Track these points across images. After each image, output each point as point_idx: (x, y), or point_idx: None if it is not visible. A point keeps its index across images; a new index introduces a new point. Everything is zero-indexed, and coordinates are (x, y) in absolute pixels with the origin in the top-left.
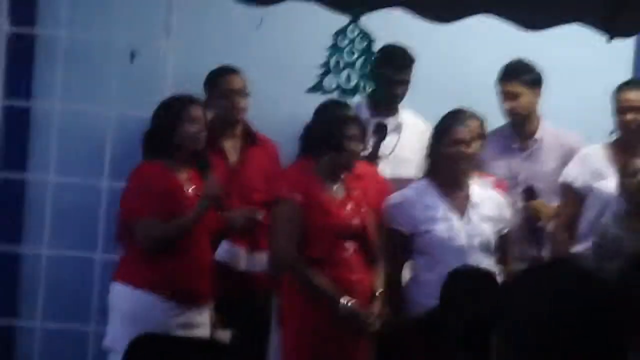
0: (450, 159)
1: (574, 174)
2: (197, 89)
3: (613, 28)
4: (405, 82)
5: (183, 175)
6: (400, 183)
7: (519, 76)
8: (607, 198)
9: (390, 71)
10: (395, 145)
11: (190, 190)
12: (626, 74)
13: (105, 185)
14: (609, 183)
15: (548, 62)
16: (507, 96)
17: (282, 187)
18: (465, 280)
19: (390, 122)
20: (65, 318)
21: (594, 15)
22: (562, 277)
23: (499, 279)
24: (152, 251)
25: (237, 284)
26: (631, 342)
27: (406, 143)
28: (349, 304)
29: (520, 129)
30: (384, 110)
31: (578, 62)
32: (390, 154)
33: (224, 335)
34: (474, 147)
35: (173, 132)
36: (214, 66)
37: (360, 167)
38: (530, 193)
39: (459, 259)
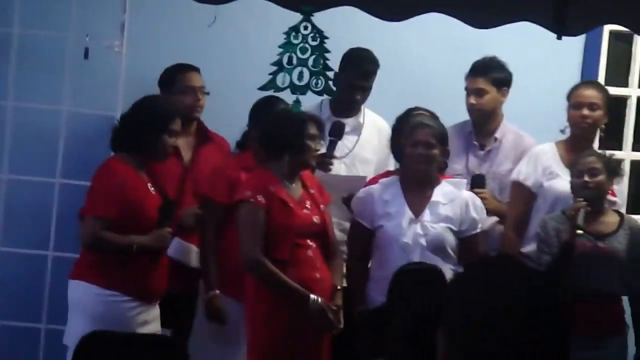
0: (410, 159)
1: (525, 172)
2: (150, 86)
3: (563, 26)
4: (368, 89)
5: (145, 175)
6: (352, 181)
7: (487, 74)
8: (557, 196)
9: (356, 77)
10: (355, 144)
11: (152, 189)
12: (575, 72)
13: (57, 183)
14: (560, 181)
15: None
16: (473, 92)
17: (243, 189)
18: (412, 277)
19: (350, 122)
20: (17, 316)
21: (544, 13)
22: (504, 273)
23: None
24: (89, 249)
25: (188, 280)
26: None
27: (366, 143)
28: (319, 300)
29: (481, 127)
30: (344, 110)
31: (528, 60)
32: (349, 153)
33: (165, 333)
34: (435, 148)
35: (153, 142)
36: (168, 64)
37: None
38: (478, 181)
39: (404, 257)
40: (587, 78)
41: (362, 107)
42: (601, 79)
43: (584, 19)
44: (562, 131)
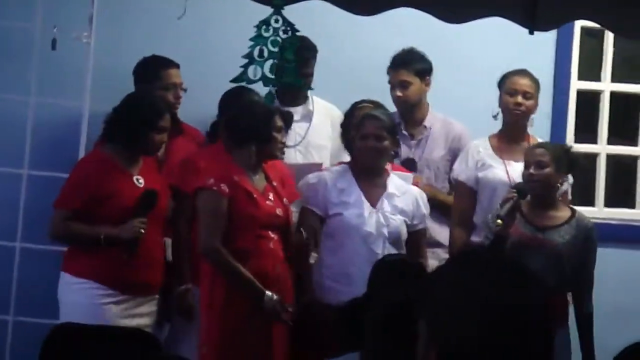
0: (360, 152)
1: (458, 169)
2: (118, 78)
3: (535, 21)
4: (309, 75)
5: (134, 168)
6: (308, 168)
7: (409, 65)
8: (494, 186)
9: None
10: (307, 132)
11: (140, 182)
12: (548, 67)
13: (25, 174)
14: (494, 171)
15: (470, 54)
16: (397, 85)
17: (205, 177)
18: (392, 269)
19: (299, 110)
20: None
21: (516, 9)
22: (488, 267)
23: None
24: (55, 240)
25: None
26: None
27: (318, 129)
28: (274, 297)
29: (409, 117)
30: (291, 99)
31: (500, 55)
32: (302, 141)
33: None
34: (386, 140)
35: (143, 138)
36: (136, 55)
37: None
38: (409, 165)
39: (365, 246)
40: (561, 72)
41: (310, 94)
42: (574, 73)
43: (556, 15)
44: (495, 117)
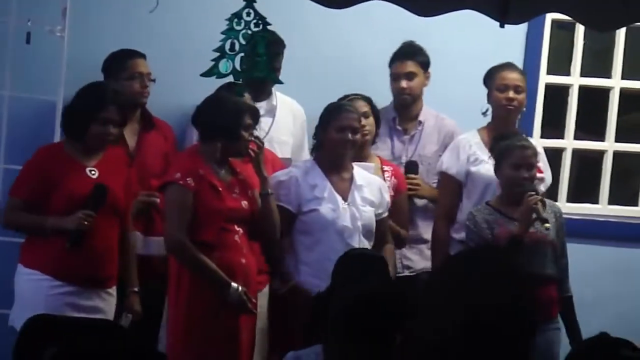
0: (335, 144)
1: (447, 162)
2: (91, 72)
3: (505, 14)
4: (278, 69)
5: (90, 160)
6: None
7: (415, 56)
8: (487, 181)
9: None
10: (270, 127)
11: (93, 174)
12: (518, 60)
13: (0, 168)
14: (486, 166)
15: (441, 48)
16: (403, 76)
17: (173, 171)
18: (355, 262)
19: (263, 105)
20: None
21: (487, 1)
22: (483, 267)
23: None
24: (5, 229)
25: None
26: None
27: (281, 125)
28: (239, 289)
29: (405, 111)
30: (257, 94)
31: (470, 48)
32: (265, 135)
33: (126, 319)
34: (360, 133)
35: (85, 128)
36: (110, 49)
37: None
38: (411, 167)
39: (342, 240)
40: (530, 66)
41: (274, 90)
42: (543, 67)
43: (527, 8)
44: (484, 114)
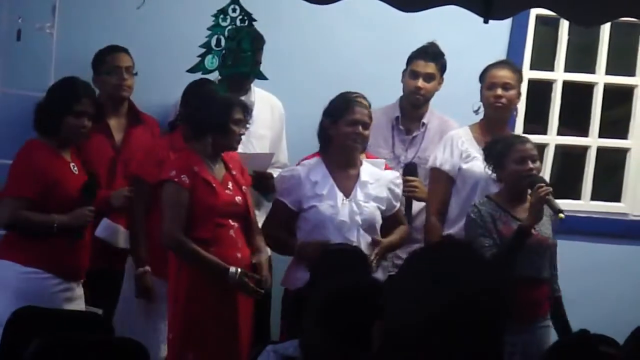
0: (348, 138)
1: (441, 158)
2: (81, 68)
3: (489, 9)
4: (258, 64)
5: (68, 155)
6: (258, 158)
7: (438, 60)
8: (477, 178)
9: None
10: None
11: (75, 169)
12: (501, 55)
13: None
14: (477, 163)
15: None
16: (423, 75)
17: (168, 168)
18: (334, 258)
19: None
20: None
21: None
22: (449, 259)
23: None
24: (6, 229)
25: (116, 260)
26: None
27: (258, 119)
28: (238, 271)
29: (412, 112)
30: (235, 89)
31: (454, 43)
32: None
33: (96, 311)
34: (369, 129)
35: (59, 122)
36: (99, 46)
37: None
38: (411, 169)
39: (341, 235)
40: (514, 61)
41: (252, 85)
42: (527, 62)
43: (511, 3)
44: (476, 112)
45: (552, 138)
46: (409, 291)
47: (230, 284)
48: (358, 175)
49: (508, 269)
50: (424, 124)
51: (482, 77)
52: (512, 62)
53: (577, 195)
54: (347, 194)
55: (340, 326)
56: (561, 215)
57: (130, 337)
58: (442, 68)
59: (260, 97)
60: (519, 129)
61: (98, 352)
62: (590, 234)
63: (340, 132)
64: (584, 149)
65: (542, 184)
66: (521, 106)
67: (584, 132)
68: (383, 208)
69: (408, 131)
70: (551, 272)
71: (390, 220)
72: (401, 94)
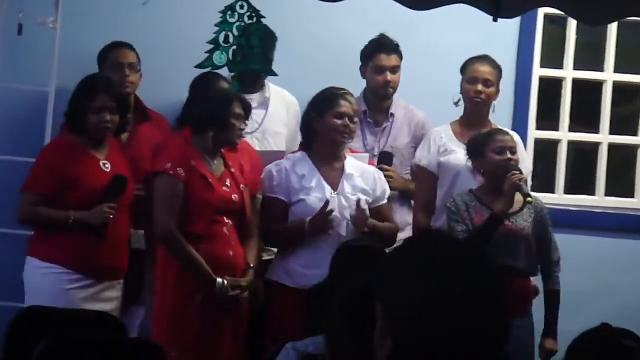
0: (335, 131)
1: (420, 155)
2: (84, 63)
3: (499, 8)
4: (271, 62)
5: (102, 153)
6: (270, 156)
7: (398, 51)
8: (457, 170)
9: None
10: (264, 119)
11: (106, 167)
12: (511, 54)
13: None
14: (456, 156)
15: (434, 41)
16: (390, 69)
17: (163, 160)
18: (353, 254)
19: (256, 97)
20: None
21: None
22: (442, 251)
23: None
24: (23, 224)
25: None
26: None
27: (274, 116)
28: (225, 284)
29: (378, 104)
30: (250, 86)
31: (464, 42)
32: (259, 128)
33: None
34: (355, 123)
35: (83, 118)
36: (102, 41)
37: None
38: (386, 158)
39: (331, 229)
40: (523, 60)
41: (266, 81)
42: (537, 61)
43: (520, 2)
44: (456, 104)
45: (564, 135)
46: (406, 283)
47: (216, 295)
48: (343, 168)
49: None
50: (392, 114)
51: (464, 70)
52: (492, 58)
53: (591, 191)
54: (334, 187)
55: (364, 324)
56: (529, 199)
57: (143, 339)
58: (401, 58)
59: (275, 93)
60: (532, 125)
61: (109, 353)
62: (604, 229)
63: (328, 126)
64: (596, 146)
65: (516, 172)
66: (533, 103)
67: (595, 129)
68: (370, 201)
69: (377, 123)
70: (531, 265)
71: (377, 216)
72: (412, 89)
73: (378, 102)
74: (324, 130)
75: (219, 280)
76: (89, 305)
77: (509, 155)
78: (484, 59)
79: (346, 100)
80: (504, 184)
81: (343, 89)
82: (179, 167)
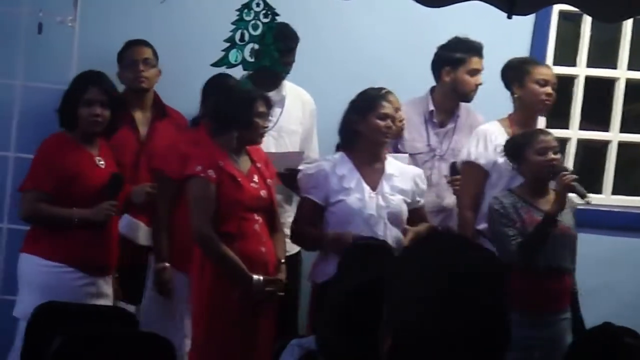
0: (379, 132)
1: (475, 152)
2: (102, 61)
3: (513, 5)
4: (291, 63)
5: (95, 149)
6: (291, 157)
7: (482, 54)
8: (512, 172)
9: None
10: (279, 117)
11: (101, 164)
12: (524, 51)
13: (11, 157)
14: None
15: (448, 38)
16: (478, 73)
17: (194, 164)
18: (361, 252)
19: (273, 95)
20: None
21: None
22: (448, 249)
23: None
24: (27, 222)
25: (136, 257)
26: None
27: (290, 115)
28: (261, 280)
29: (447, 106)
30: (267, 84)
31: (477, 38)
32: (274, 126)
33: (128, 308)
34: (397, 123)
35: (73, 112)
36: (120, 39)
37: None
38: (456, 169)
39: (369, 229)
40: (537, 57)
41: (283, 80)
42: (550, 58)
43: None
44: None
45: (574, 132)
46: (412, 283)
47: (253, 292)
48: (383, 168)
49: (533, 258)
50: (458, 115)
51: (523, 70)
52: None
53: (598, 189)
54: (373, 187)
55: (363, 321)
56: (587, 199)
57: (155, 332)
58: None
59: (291, 92)
60: (542, 123)
61: (123, 347)
62: (611, 227)
63: (371, 127)
64: (605, 144)
65: (566, 172)
66: None
67: (606, 127)
68: (409, 201)
69: (441, 124)
70: (574, 263)
71: (414, 216)
72: (427, 87)
73: (449, 103)
74: (366, 131)
75: (255, 277)
76: (94, 301)
77: (552, 156)
78: (545, 64)
79: (388, 100)
80: (556, 185)
81: (384, 89)
82: (209, 168)
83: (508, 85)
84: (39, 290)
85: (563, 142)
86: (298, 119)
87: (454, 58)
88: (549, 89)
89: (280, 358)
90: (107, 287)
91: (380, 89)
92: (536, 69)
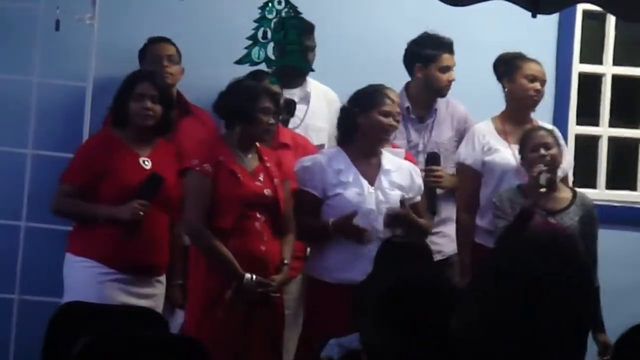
0: (380, 129)
1: (464, 152)
2: (122, 59)
3: (537, 4)
4: (312, 48)
5: (145, 150)
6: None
7: (452, 50)
8: (503, 169)
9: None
10: (305, 114)
11: (146, 164)
12: (550, 50)
13: (29, 154)
14: (501, 154)
15: (472, 38)
16: (451, 69)
17: (192, 157)
18: (397, 251)
19: (297, 92)
20: None
21: None
22: (546, 254)
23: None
24: (55, 215)
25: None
26: None
27: (315, 112)
28: (253, 278)
29: (426, 100)
30: (291, 81)
31: (502, 38)
32: (300, 123)
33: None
34: (398, 120)
35: (124, 108)
36: (139, 37)
37: (293, 137)
38: (433, 159)
39: (368, 224)
40: (562, 56)
41: (307, 77)
42: (576, 56)
43: None
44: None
45: (604, 130)
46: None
47: (244, 290)
48: (379, 163)
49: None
50: (435, 109)
51: (513, 66)
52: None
53: (630, 187)
54: (371, 182)
55: (402, 321)
56: (542, 189)
57: (186, 335)
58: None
59: (316, 89)
60: (572, 121)
61: (151, 350)
62: None
63: (372, 123)
64: (636, 141)
65: (539, 165)
66: (573, 99)
67: (635, 125)
68: (406, 196)
69: (420, 119)
70: None
71: (413, 209)
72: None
73: (425, 98)
74: (367, 126)
75: (247, 275)
76: (121, 299)
77: (542, 152)
78: (531, 58)
79: (391, 98)
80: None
81: (384, 86)
82: (205, 162)
83: (499, 80)
84: (68, 286)
85: (594, 140)
86: (324, 116)
87: (425, 55)
88: (537, 85)
89: (321, 356)
90: (147, 288)
91: (382, 85)
92: (526, 64)
